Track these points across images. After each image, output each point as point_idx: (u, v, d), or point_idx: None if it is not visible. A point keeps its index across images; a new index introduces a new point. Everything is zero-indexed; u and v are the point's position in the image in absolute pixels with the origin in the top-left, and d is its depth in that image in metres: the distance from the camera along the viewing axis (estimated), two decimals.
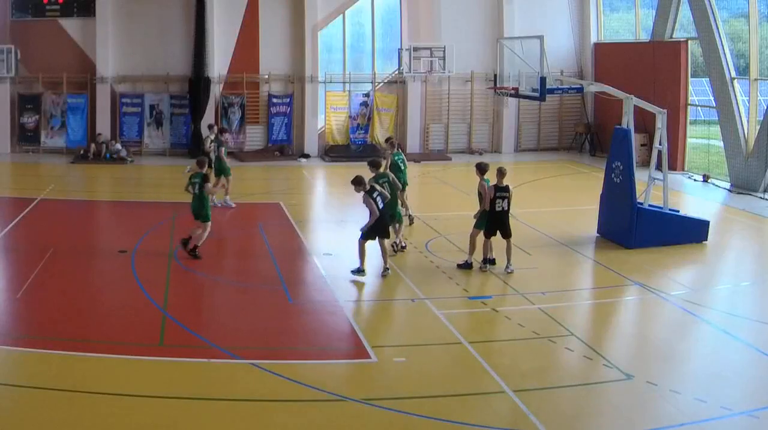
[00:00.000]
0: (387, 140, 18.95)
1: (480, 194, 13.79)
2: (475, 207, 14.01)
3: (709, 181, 23.03)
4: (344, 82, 28.59)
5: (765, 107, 22.23)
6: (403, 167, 16.65)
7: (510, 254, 13.63)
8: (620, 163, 15.66)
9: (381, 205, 13.20)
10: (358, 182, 13.16)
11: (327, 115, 28.11)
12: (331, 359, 10.15)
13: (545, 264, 14.09)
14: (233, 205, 18.75)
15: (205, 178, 14.59)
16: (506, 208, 13.54)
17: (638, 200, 15.51)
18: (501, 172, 13.54)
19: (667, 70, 24.61)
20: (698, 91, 27.85)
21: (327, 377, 9.47)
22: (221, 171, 18.55)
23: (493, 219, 13.56)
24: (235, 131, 27.49)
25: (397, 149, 17.11)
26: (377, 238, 13.36)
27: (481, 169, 13.89)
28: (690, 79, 24.85)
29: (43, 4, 26.66)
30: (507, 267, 13.57)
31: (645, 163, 20.51)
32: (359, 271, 13.29)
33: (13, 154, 26.30)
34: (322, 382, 9.22)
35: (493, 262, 13.77)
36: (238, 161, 26.36)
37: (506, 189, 13.54)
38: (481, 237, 13.84)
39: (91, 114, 26.77)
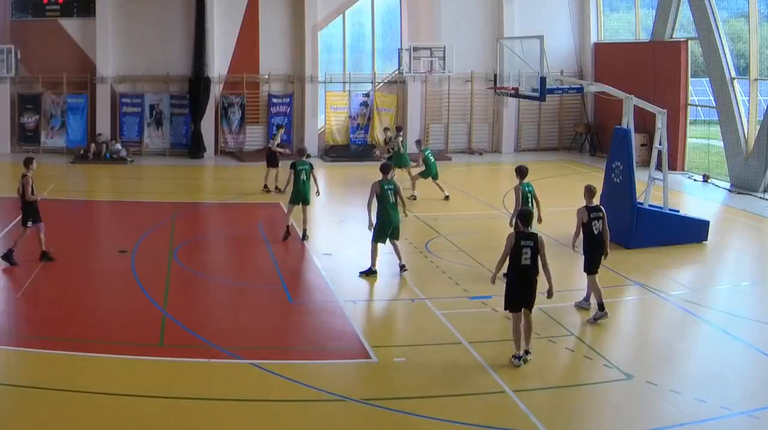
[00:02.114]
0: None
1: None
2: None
3: (709, 181, 23.02)
4: (344, 82, 28.60)
5: (765, 107, 22.22)
6: (433, 160, 20.08)
7: (600, 295, 11.44)
8: (620, 163, 15.65)
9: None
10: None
11: (327, 115, 28.12)
12: (331, 359, 10.14)
13: None
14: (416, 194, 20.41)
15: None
16: (602, 230, 11.54)
17: (638, 200, 15.51)
18: (591, 191, 11.80)
19: (667, 70, 24.59)
20: (698, 91, 27.84)
21: (327, 377, 9.47)
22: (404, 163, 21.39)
23: (592, 245, 11.50)
24: (235, 131, 27.51)
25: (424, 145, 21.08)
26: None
27: (521, 172, 13.64)
28: (690, 79, 24.85)
29: (43, 4, 26.66)
30: (597, 312, 11.41)
31: (645, 163, 20.51)
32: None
33: (13, 155, 26.22)
34: (322, 382, 9.22)
35: (602, 307, 11.39)
36: (238, 161, 26.40)
37: (599, 209, 11.65)
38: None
39: (91, 114, 26.77)
